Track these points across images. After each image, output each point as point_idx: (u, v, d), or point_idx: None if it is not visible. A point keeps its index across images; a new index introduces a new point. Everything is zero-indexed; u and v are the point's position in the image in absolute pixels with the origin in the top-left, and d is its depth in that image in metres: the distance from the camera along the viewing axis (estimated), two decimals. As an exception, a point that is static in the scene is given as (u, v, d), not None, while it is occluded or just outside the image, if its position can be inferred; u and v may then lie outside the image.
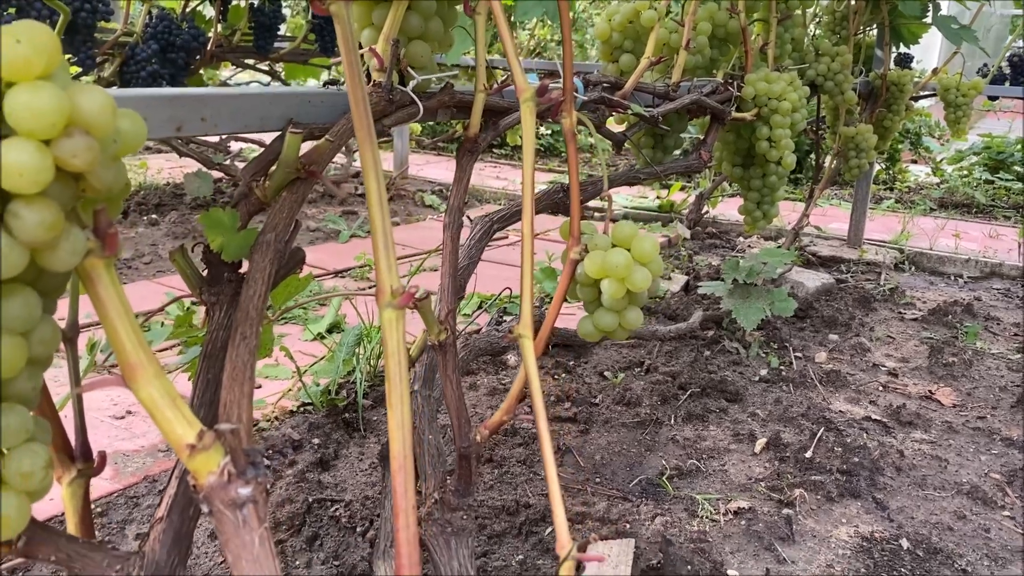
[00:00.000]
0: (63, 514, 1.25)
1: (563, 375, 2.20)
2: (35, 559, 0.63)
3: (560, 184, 1.33)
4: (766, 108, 1.86)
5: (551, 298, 2.77)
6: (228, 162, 3.31)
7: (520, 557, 1.40)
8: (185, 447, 0.55)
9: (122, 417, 1.78)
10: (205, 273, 0.79)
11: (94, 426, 1.74)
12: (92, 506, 0.83)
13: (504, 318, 1.68)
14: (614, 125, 1.66)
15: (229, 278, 0.79)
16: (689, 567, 1.35)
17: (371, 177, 0.67)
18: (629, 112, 1.44)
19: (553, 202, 1.37)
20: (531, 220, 0.84)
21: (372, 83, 0.94)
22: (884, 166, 5.28)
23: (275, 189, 0.82)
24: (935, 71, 3.09)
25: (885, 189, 5.14)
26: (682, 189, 4.57)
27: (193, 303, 2.33)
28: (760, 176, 1.99)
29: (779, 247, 2.96)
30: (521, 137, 0.88)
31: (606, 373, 2.22)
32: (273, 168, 0.83)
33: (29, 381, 0.54)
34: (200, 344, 0.87)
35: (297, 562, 1.36)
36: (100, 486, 1.51)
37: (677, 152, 1.91)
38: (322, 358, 2.04)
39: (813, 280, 2.94)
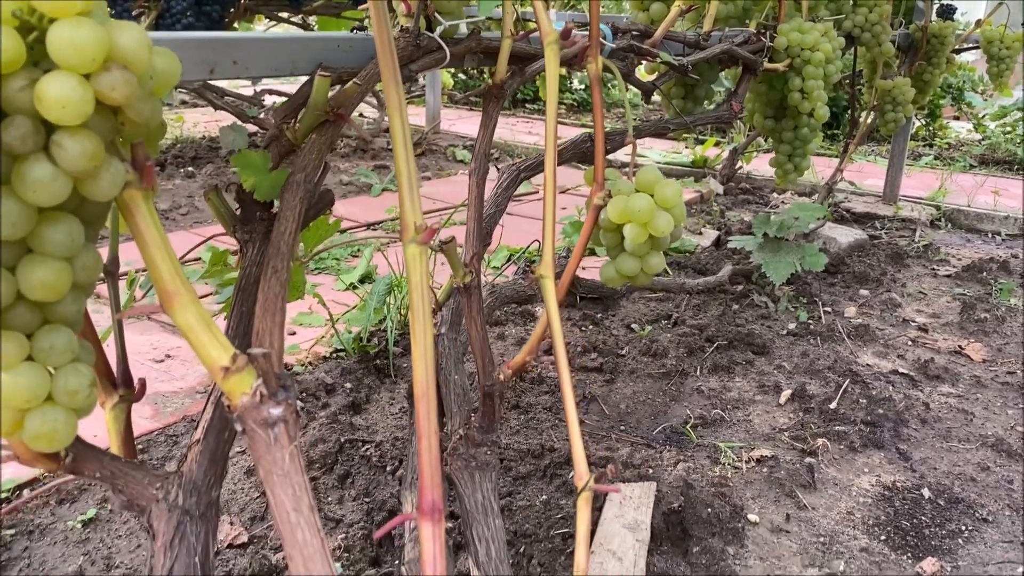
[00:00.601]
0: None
1: (590, 327, 2.23)
2: (81, 475, 0.67)
3: (587, 133, 1.34)
4: (799, 59, 1.84)
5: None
6: (262, 116, 3.34)
7: (544, 497, 1.44)
8: (220, 369, 0.58)
9: (161, 360, 1.84)
10: (238, 212, 0.82)
11: (135, 368, 1.81)
12: (134, 504, 0.87)
13: (528, 271, 1.70)
14: (644, 76, 1.66)
15: (261, 217, 0.81)
16: (709, 510, 1.37)
17: (396, 118, 0.69)
18: (658, 61, 1.44)
19: (580, 151, 1.38)
20: (554, 161, 0.85)
21: (400, 28, 0.95)
22: (924, 122, 5.17)
23: (305, 131, 0.84)
24: (978, 23, 3.02)
25: (924, 145, 5.04)
26: (716, 145, 4.52)
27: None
28: (792, 128, 1.98)
29: (812, 203, 2.93)
30: (545, 81, 0.89)
31: (633, 325, 2.24)
32: (303, 111, 0.85)
33: (74, 305, 0.57)
34: (233, 285, 0.91)
35: (329, 499, 1.41)
36: (141, 424, 1.57)
37: (708, 105, 1.90)
38: (354, 307, 2.08)
39: (845, 236, 2.92)
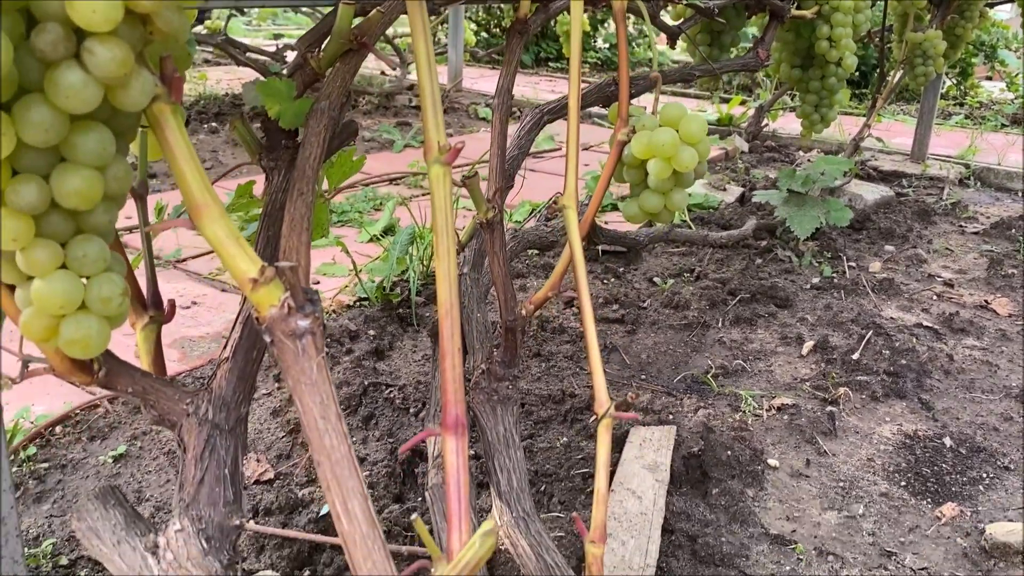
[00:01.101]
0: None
1: (612, 280, 2.23)
2: (113, 390, 0.69)
3: (611, 77, 1.33)
4: (827, 6, 1.81)
5: (605, 206, 2.78)
6: (283, 72, 3.33)
7: (565, 440, 1.45)
8: (248, 281, 0.59)
9: (188, 307, 1.87)
10: (264, 140, 0.83)
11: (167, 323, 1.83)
12: (165, 419, 0.88)
13: (552, 219, 1.70)
14: (669, 21, 1.64)
15: (286, 145, 0.82)
16: (729, 453, 1.38)
17: (420, 40, 0.69)
18: (684, 3, 1.42)
19: (604, 95, 1.37)
20: (577, 93, 0.85)
21: (423, -40, 0.94)
22: (955, 81, 5.07)
23: (329, 60, 0.84)
24: (1014, -26, 2.94)
25: (955, 104, 4.95)
26: (742, 104, 4.47)
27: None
28: (819, 78, 1.95)
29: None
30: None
31: (655, 279, 2.24)
32: (327, 41, 0.85)
33: (106, 215, 0.58)
34: (257, 221, 0.92)
35: (353, 439, 1.43)
36: (169, 367, 1.60)
37: (735, 52, 1.88)
38: (377, 258, 2.09)
39: (871, 193, 2.89)
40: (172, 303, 0.75)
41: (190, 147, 0.59)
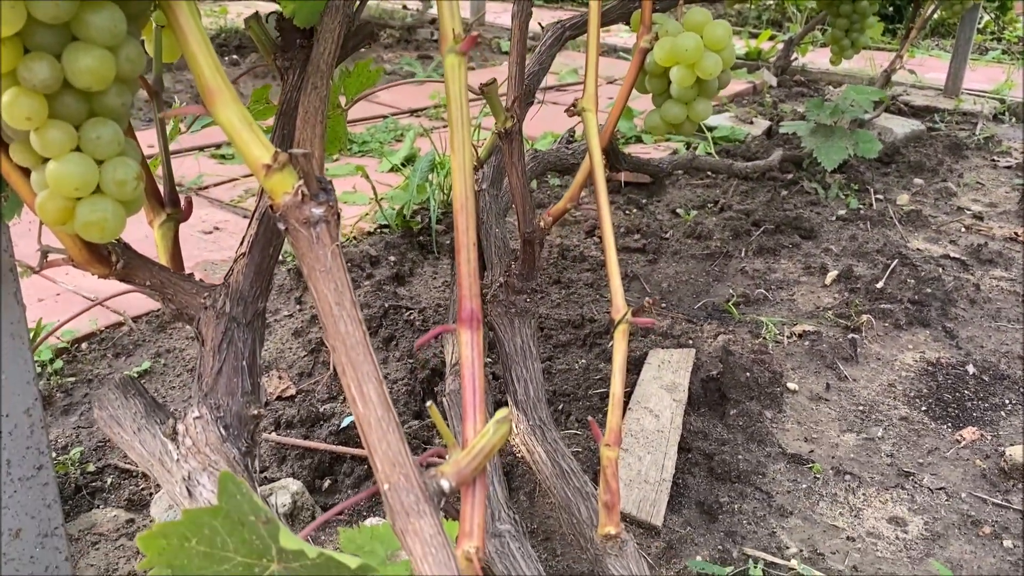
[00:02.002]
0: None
1: (634, 211, 2.21)
2: (132, 283, 0.70)
3: (635, -9, 1.30)
4: (862, -77, 1.74)
5: (628, 139, 2.74)
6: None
7: (583, 362, 1.45)
8: (262, 167, 0.59)
9: (210, 232, 1.88)
10: (278, 40, 0.82)
11: (184, 239, 1.84)
12: (183, 313, 0.88)
13: (572, 141, 1.68)
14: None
15: (301, 44, 0.81)
16: (748, 374, 1.38)
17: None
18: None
19: (627, 11, 1.34)
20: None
21: None
22: (993, 15, 4.91)
23: (344, -43, 0.82)
24: None
25: (992, 40, 4.80)
26: (771, 38, 4.36)
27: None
28: (850, 0, 1.89)
29: (868, 91, 2.82)
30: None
31: (678, 210, 2.21)
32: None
33: (119, 98, 0.58)
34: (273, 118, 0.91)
35: (373, 359, 1.44)
36: (192, 289, 1.62)
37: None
38: (398, 186, 2.08)
39: (902, 127, 2.82)
40: (189, 200, 0.76)
41: (203, 33, 0.59)
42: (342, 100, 1.05)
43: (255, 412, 0.67)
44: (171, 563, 0.53)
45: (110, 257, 0.67)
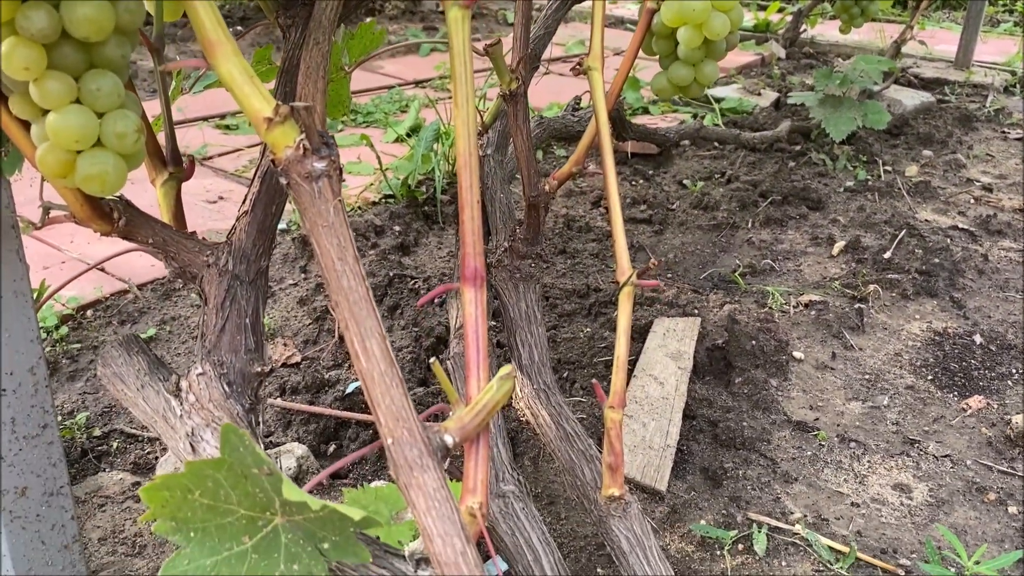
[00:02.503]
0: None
1: (641, 182, 2.19)
2: (134, 241, 0.69)
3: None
4: None
5: (635, 110, 2.72)
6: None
7: (588, 331, 1.45)
8: (263, 120, 0.58)
9: (214, 202, 1.87)
10: (281, -2, 0.80)
11: (189, 209, 1.84)
12: (186, 271, 0.87)
13: (579, 108, 1.67)
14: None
15: (303, 1, 0.80)
16: (754, 343, 1.38)
17: None
18: None
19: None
20: (605, -54, 0.81)
21: None
22: (1006, -13, 4.84)
23: (347, -87, 0.81)
24: None
25: (1004, 11, 4.74)
26: (780, 10, 4.32)
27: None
28: (861, -33, 1.87)
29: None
30: None
31: (685, 181, 2.20)
32: None
33: (119, 49, 0.57)
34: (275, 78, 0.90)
35: (378, 327, 1.44)
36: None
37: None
38: (403, 157, 2.07)
39: (911, 99, 2.80)
40: (191, 159, 0.75)
41: (202, -17, 0.58)
42: (346, 63, 1.04)
43: (258, 369, 0.67)
44: (174, 515, 0.53)
45: (112, 214, 0.66)
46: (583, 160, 0.98)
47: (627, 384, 1.16)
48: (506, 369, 0.62)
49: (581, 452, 0.88)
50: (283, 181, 0.60)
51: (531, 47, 1.15)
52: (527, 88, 0.98)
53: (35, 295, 0.73)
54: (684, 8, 0.93)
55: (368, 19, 0.92)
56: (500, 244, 1.05)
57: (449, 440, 0.59)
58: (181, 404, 0.63)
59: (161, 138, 0.77)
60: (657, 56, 1.02)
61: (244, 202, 0.72)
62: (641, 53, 0.99)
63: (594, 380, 0.81)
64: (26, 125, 0.59)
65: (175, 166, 0.75)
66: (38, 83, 0.55)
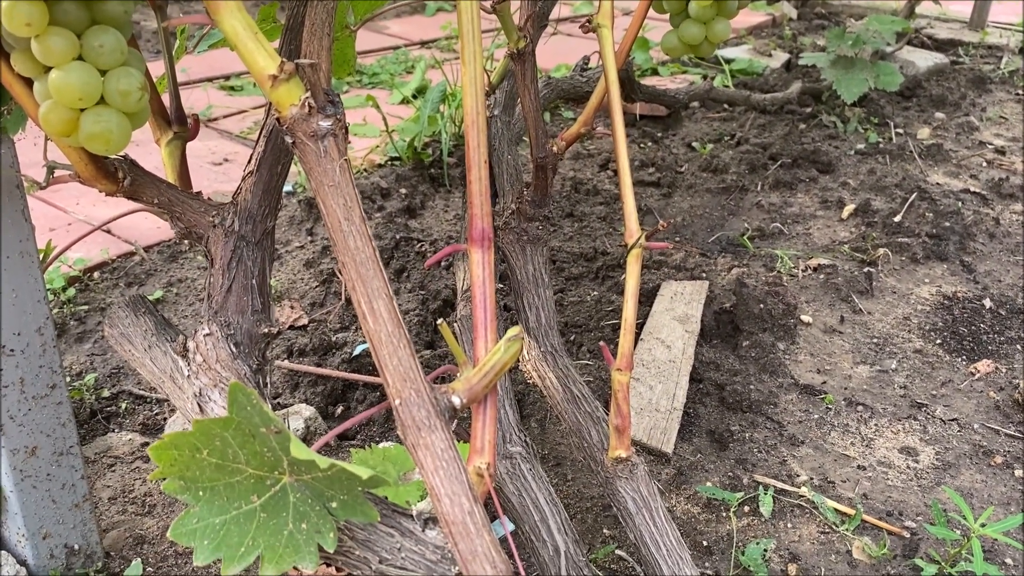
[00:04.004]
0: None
1: (649, 144, 2.17)
2: (139, 201, 0.69)
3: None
4: None
5: (644, 71, 2.69)
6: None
7: (595, 295, 1.45)
8: (268, 77, 0.57)
9: (219, 164, 1.86)
10: (285, -47, 0.79)
11: (194, 171, 1.83)
12: (191, 232, 0.86)
13: (587, 69, 1.64)
14: None
15: (308, -43, 0.78)
16: (762, 306, 1.37)
17: None
18: None
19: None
20: (615, -101, 0.79)
21: None
22: (1024, -54, 4.75)
23: None
24: None
25: (1021, -29, 4.65)
26: (791, -31, 4.24)
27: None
28: (876, -76, 1.82)
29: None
30: None
31: (694, 144, 2.18)
32: None
33: (121, 5, 0.56)
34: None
35: (385, 290, 1.44)
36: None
37: None
38: (409, 119, 2.05)
39: (925, 60, 2.75)
40: (196, 118, 0.74)
41: (204, -65, 0.57)
42: (351, 22, 1.02)
43: (265, 330, 0.67)
44: (183, 474, 0.54)
45: (116, 173, 0.66)
46: (592, 121, 0.96)
47: (634, 347, 1.16)
48: (514, 331, 0.61)
49: (588, 414, 0.88)
50: (288, 140, 0.60)
51: (539, 5, 1.13)
52: (535, 47, 0.97)
53: (41, 256, 0.73)
54: (696, -36, 0.91)
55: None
56: (507, 206, 1.04)
57: (457, 401, 0.59)
58: (188, 364, 0.63)
59: (165, 98, 0.77)
60: (668, 15, 1.00)
61: (249, 162, 0.71)
62: (651, 13, 0.97)
63: (601, 343, 0.81)
64: (29, 83, 0.58)
65: (180, 126, 0.74)
66: (40, 39, 0.54)
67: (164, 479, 0.54)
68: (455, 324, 0.97)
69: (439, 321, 0.59)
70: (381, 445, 1.05)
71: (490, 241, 0.66)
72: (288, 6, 0.80)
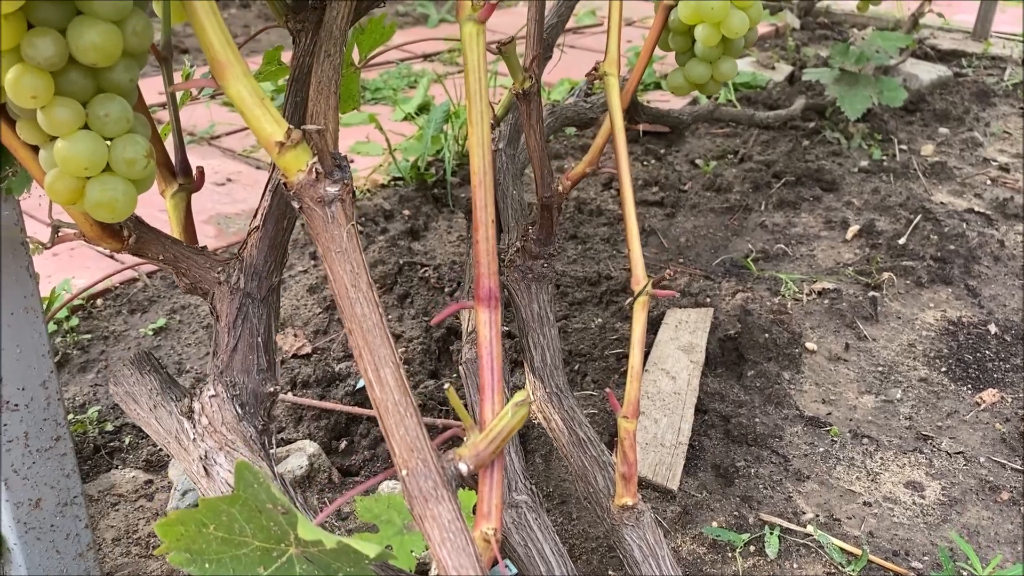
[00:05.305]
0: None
1: (652, 162, 2.17)
2: (144, 257, 0.69)
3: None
4: None
5: (647, 85, 2.69)
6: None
7: (599, 321, 1.44)
8: (274, 144, 0.57)
9: (223, 184, 1.86)
10: (290, 1, 0.79)
11: (197, 193, 1.83)
12: (197, 287, 0.86)
13: (591, 94, 1.64)
14: None
15: (314, 5, 0.78)
16: (767, 335, 1.37)
17: None
18: None
19: (650, -41, 1.29)
20: (622, -53, 0.79)
21: None
22: (1027, -47, 4.74)
23: (357, -87, 0.79)
24: None
25: (1024, -21, 4.64)
26: (794, -23, 4.23)
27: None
28: (881, -56, 1.82)
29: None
30: None
31: (697, 161, 2.18)
32: None
33: (127, 73, 0.56)
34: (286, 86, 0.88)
35: (389, 316, 1.44)
36: (205, 243, 1.60)
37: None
38: (411, 136, 2.05)
39: (928, 73, 2.75)
40: (201, 170, 0.74)
41: (213, 4, 0.56)
42: (355, 57, 1.02)
43: (271, 389, 0.67)
44: (189, 548, 0.53)
45: (122, 232, 0.66)
46: (596, 161, 0.96)
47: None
48: (521, 395, 0.61)
49: (594, 458, 0.88)
50: (295, 205, 0.59)
51: (544, 37, 1.13)
52: (540, 86, 0.96)
53: (47, 303, 0.73)
54: (702, 6, 0.90)
55: (378, 12, 0.91)
56: (512, 243, 1.04)
57: (464, 468, 0.59)
58: (194, 427, 0.63)
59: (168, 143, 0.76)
60: (673, 52, 1.00)
61: (255, 217, 0.71)
62: (649, 10, 0.97)
63: (608, 389, 0.80)
64: (35, 147, 0.58)
65: (184, 177, 0.74)
66: (46, 110, 0.53)
67: (170, 552, 0.53)
68: (460, 367, 0.97)
69: (445, 386, 0.59)
70: (384, 485, 1.04)
71: (497, 300, 0.65)
72: (294, 53, 0.79)
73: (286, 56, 0.87)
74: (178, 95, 0.81)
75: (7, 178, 0.63)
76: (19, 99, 0.52)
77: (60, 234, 0.65)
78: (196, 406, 0.64)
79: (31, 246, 0.65)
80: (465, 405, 1.08)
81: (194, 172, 0.74)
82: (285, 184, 0.59)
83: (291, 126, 0.57)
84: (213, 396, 0.64)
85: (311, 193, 0.58)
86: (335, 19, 0.71)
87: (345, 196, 0.59)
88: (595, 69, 0.82)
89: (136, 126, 0.57)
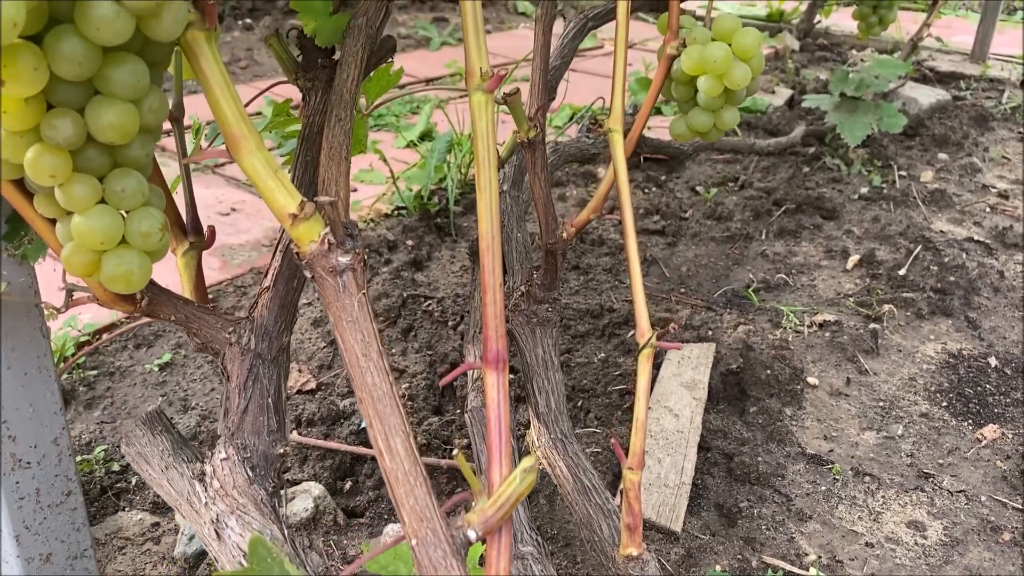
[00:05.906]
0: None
1: (653, 189, 2.18)
2: (156, 318, 0.70)
3: (660, -21, 1.26)
4: None
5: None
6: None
7: (602, 355, 1.45)
8: (287, 216, 0.58)
9: (227, 214, 1.87)
10: (300, 59, 0.80)
11: (202, 221, 1.84)
12: (208, 346, 0.88)
13: (595, 126, 1.65)
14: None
15: (323, 64, 0.79)
16: (768, 371, 1.37)
17: (462, -46, 0.65)
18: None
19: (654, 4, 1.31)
20: (627, 4, 0.80)
21: None
22: (1024, -27, 4.77)
23: (366, -28, 0.80)
24: None
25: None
26: (793, -2, 4.26)
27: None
28: (880, -24, 1.84)
29: (894, 59, 2.76)
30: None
31: (698, 188, 2.19)
32: (364, -49, 0.81)
33: (142, 148, 0.57)
34: (295, 138, 0.90)
35: (393, 350, 1.45)
36: (210, 276, 1.62)
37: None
38: (414, 165, 2.07)
39: (927, 96, 2.77)
40: (212, 229, 0.75)
41: (225, 75, 0.57)
42: (363, 105, 1.03)
43: (281, 451, 0.67)
44: (203, 619, 0.54)
45: (134, 295, 0.66)
46: (601, 208, 0.97)
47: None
48: (528, 461, 0.62)
49: (598, 506, 0.88)
50: (308, 274, 0.60)
51: (548, 79, 1.14)
52: (545, 135, 0.97)
53: (57, 356, 0.74)
54: (705, 57, 0.92)
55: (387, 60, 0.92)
56: (517, 287, 1.05)
57: (472, 535, 0.59)
58: (205, 490, 0.64)
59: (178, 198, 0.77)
60: (676, 100, 1.01)
61: (265, 277, 0.72)
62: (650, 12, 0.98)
63: (613, 440, 0.81)
64: (51, 220, 0.59)
65: (196, 235, 0.75)
66: (64, 188, 0.54)
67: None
68: (466, 415, 0.97)
69: (455, 452, 0.60)
70: (387, 529, 1.05)
71: (504, 363, 0.66)
72: (303, 111, 0.81)
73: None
74: (189, 154, 0.82)
75: (23, 245, 0.64)
76: (38, 178, 0.53)
77: (73, 297, 0.66)
78: (208, 469, 0.65)
79: (46, 311, 0.66)
80: (469, 452, 1.09)
81: (205, 231, 0.75)
82: (297, 254, 0.60)
83: (304, 199, 0.58)
84: (224, 459, 0.65)
85: (323, 263, 0.59)
86: (345, 81, 0.73)
87: (356, 265, 0.60)
88: (600, 125, 0.84)
89: (151, 198, 0.58)
